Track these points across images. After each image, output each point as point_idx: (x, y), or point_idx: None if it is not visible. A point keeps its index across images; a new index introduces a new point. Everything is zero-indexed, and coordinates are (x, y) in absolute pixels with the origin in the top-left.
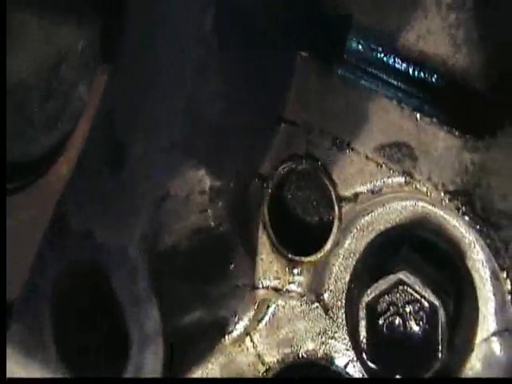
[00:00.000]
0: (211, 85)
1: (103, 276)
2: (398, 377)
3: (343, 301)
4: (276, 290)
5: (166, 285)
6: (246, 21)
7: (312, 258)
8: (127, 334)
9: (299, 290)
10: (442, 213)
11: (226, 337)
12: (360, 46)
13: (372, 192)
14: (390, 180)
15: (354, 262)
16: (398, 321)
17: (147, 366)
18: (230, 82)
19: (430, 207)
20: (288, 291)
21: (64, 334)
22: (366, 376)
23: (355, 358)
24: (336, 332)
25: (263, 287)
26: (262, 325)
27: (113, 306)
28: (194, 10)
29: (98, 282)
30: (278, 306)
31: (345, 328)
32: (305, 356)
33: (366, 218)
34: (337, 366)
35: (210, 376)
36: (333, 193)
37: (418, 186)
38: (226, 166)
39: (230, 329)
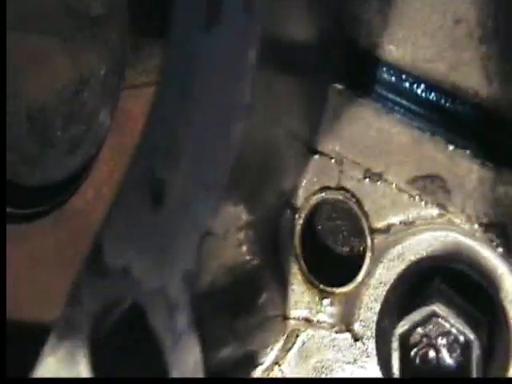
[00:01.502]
0: (251, 122)
1: (142, 314)
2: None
3: (374, 331)
4: (307, 320)
5: (203, 322)
6: (282, 54)
7: (344, 289)
8: (167, 372)
9: (330, 320)
10: (474, 244)
11: (257, 368)
12: (391, 77)
13: (405, 224)
14: (423, 212)
15: (385, 292)
16: (431, 353)
17: None
18: (270, 117)
19: (461, 238)
20: (318, 322)
21: (100, 370)
22: None
23: None
24: (366, 362)
25: (294, 318)
26: (291, 354)
27: (152, 343)
28: (236, 47)
29: (136, 320)
30: (307, 335)
31: (375, 358)
32: None
33: (397, 248)
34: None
35: None
36: (365, 224)
37: (451, 218)
38: (261, 199)
39: (261, 360)
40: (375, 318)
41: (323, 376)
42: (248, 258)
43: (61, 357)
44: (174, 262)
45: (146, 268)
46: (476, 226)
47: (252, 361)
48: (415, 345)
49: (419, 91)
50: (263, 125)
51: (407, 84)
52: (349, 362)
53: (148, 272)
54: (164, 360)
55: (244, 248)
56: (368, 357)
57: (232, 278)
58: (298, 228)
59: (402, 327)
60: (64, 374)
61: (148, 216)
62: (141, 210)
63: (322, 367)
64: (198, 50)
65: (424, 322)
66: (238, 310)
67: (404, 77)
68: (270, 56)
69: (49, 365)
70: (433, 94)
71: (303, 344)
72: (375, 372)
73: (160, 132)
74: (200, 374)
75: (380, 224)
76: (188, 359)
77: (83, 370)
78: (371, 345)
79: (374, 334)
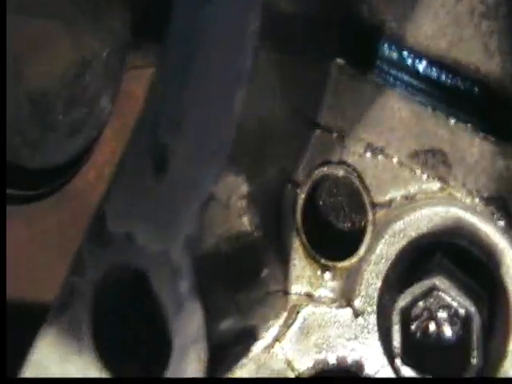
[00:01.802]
0: (254, 91)
1: (145, 279)
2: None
3: (374, 306)
4: (308, 295)
5: (206, 289)
6: (284, 28)
7: (345, 264)
8: (169, 338)
9: (331, 295)
10: (475, 219)
11: (257, 343)
12: (393, 53)
13: (406, 198)
14: (424, 186)
15: (386, 268)
16: (432, 326)
17: (189, 371)
18: (269, 89)
19: (462, 213)
20: (320, 297)
21: (103, 337)
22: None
23: (386, 364)
24: (367, 338)
25: (295, 293)
26: (292, 331)
27: (155, 309)
28: (238, 17)
29: (140, 285)
30: (308, 312)
31: (376, 334)
32: (335, 362)
33: (399, 223)
34: (367, 372)
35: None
36: (366, 199)
37: (452, 192)
38: (263, 170)
39: (262, 335)
40: (376, 294)
41: (324, 353)
42: (250, 229)
43: (63, 326)
44: (176, 227)
45: (149, 234)
46: (477, 199)
47: (253, 335)
48: (416, 318)
49: (420, 67)
50: (264, 96)
51: (409, 60)
52: (350, 339)
53: (151, 238)
54: (167, 326)
55: (246, 218)
56: (369, 333)
57: (234, 248)
58: (300, 203)
59: (403, 300)
60: (66, 343)
61: (151, 183)
62: (144, 178)
63: (323, 344)
64: (201, 20)
65: (425, 295)
66: (239, 281)
67: (406, 53)
68: (271, 28)
69: (51, 333)
70: (434, 69)
71: (304, 320)
72: (376, 347)
73: (164, 100)
74: (202, 341)
75: (381, 198)
76: (191, 325)
77: (86, 339)
78: (372, 320)
79: (374, 310)
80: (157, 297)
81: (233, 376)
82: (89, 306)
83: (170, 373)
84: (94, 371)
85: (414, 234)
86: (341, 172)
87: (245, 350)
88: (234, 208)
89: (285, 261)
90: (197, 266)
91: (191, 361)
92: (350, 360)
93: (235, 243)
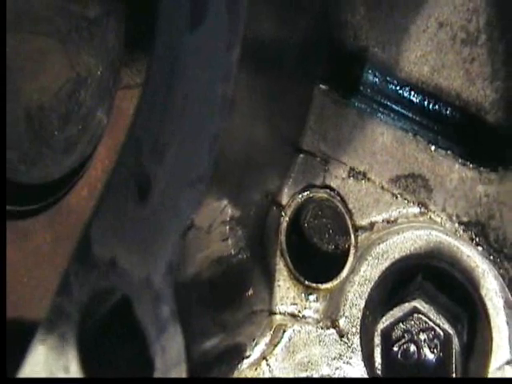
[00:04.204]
0: (235, 119)
1: (127, 303)
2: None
3: (358, 327)
4: (292, 315)
5: (187, 312)
6: (268, 53)
7: (328, 285)
8: (152, 359)
9: (315, 315)
10: (456, 243)
11: (244, 361)
12: (376, 79)
13: (387, 221)
14: (405, 210)
15: (369, 290)
16: (412, 348)
17: None
18: (253, 115)
19: (444, 237)
20: (304, 317)
21: (89, 357)
22: None
23: None
24: (351, 358)
25: (280, 313)
26: (278, 349)
27: (138, 332)
28: (219, 46)
29: (123, 309)
30: (294, 331)
31: (360, 354)
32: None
33: (381, 246)
34: (344, 378)
35: None
36: (349, 222)
37: (432, 216)
38: (246, 195)
39: (248, 353)
40: (360, 315)
41: (309, 371)
42: (233, 252)
43: (51, 344)
44: (158, 253)
45: (132, 260)
46: (456, 224)
47: (238, 353)
48: (397, 340)
49: (403, 93)
50: (246, 121)
51: (391, 86)
52: (334, 358)
53: (134, 263)
54: (148, 348)
55: (229, 242)
56: (353, 352)
57: (218, 271)
58: (284, 225)
59: (384, 323)
60: (53, 361)
61: (134, 209)
62: (127, 204)
63: (309, 362)
64: (183, 49)
65: (406, 317)
66: (223, 302)
67: (388, 79)
68: (253, 55)
69: (39, 353)
70: (416, 95)
71: (290, 339)
72: (360, 367)
73: (147, 127)
74: (183, 363)
75: (363, 221)
76: (171, 347)
77: (72, 358)
78: (356, 341)
79: (358, 330)
80: (139, 321)
81: None
82: (75, 327)
83: None
84: None
85: (396, 256)
86: (324, 195)
87: (232, 367)
88: (216, 233)
89: (269, 282)
90: (179, 290)
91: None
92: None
93: (218, 266)
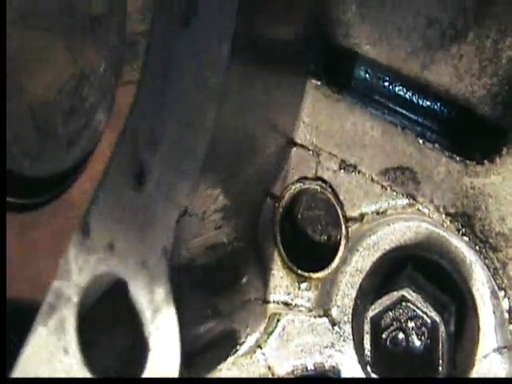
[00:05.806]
0: (228, 109)
1: (124, 285)
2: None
3: (350, 316)
4: (286, 304)
5: (182, 295)
6: (261, 47)
7: (320, 275)
8: (147, 340)
9: (308, 304)
10: (444, 234)
11: (238, 348)
12: (367, 75)
13: (377, 213)
14: (394, 202)
15: (361, 280)
16: (400, 336)
17: (165, 370)
18: (246, 107)
19: (433, 228)
20: (297, 305)
21: (88, 338)
22: None
23: (361, 371)
24: (343, 346)
25: (274, 301)
26: (272, 338)
27: (133, 315)
28: (211, 40)
29: (119, 291)
30: (287, 320)
31: (351, 342)
32: (313, 368)
33: (372, 237)
34: (343, 378)
35: None
36: (340, 213)
37: (420, 208)
38: (240, 185)
39: (242, 340)
40: (351, 304)
41: (302, 358)
42: (227, 240)
43: (51, 326)
44: (154, 238)
45: (129, 244)
46: (443, 215)
47: (231, 339)
48: (386, 328)
49: (393, 88)
50: (238, 113)
51: (382, 81)
52: (327, 346)
53: (130, 248)
54: (143, 329)
55: (223, 230)
56: (345, 341)
57: (212, 257)
58: (278, 216)
59: (373, 311)
60: (53, 342)
61: (131, 197)
62: (124, 191)
63: (302, 351)
64: (177, 43)
65: (394, 306)
66: (217, 288)
67: (379, 75)
68: (245, 49)
69: (40, 335)
70: (406, 91)
71: (284, 328)
72: (352, 355)
73: (142, 117)
74: (177, 344)
75: (354, 213)
76: (166, 328)
77: (71, 339)
78: (348, 329)
79: (350, 320)
80: (135, 302)
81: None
82: (75, 310)
83: (148, 371)
84: (79, 369)
85: (387, 247)
86: (317, 187)
87: (226, 353)
88: (211, 221)
89: (263, 271)
90: (174, 274)
91: (167, 361)
92: (327, 366)
93: (212, 254)
